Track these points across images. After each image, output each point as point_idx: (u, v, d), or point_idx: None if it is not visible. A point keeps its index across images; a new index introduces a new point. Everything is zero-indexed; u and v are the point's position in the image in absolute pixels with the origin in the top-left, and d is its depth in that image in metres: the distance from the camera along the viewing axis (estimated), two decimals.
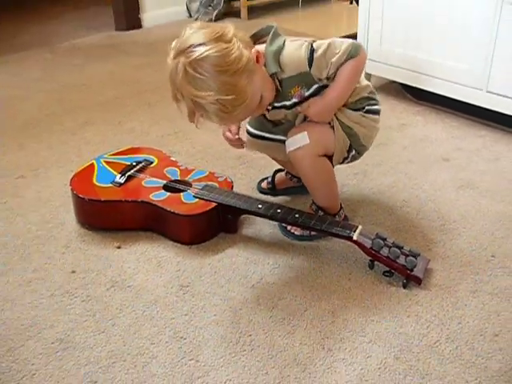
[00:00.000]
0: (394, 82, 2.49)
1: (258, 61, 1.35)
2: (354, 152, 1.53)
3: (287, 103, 1.47)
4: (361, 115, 1.51)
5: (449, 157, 1.96)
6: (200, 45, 1.25)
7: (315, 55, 1.38)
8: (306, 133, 1.44)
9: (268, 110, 1.50)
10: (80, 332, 1.27)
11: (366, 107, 1.53)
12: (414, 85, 2.33)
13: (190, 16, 3.82)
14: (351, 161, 1.57)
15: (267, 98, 1.41)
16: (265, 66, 1.39)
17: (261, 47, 1.40)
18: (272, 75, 1.40)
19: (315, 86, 1.44)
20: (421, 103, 2.39)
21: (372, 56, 2.43)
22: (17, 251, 1.54)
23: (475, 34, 2.04)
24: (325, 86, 1.44)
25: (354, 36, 2.70)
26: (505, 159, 1.94)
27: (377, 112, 1.56)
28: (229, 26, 1.32)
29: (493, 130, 2.14)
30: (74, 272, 1.46)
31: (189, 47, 1.26)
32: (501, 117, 2.08)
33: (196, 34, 1.28)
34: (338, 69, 1.40)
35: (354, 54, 1.39)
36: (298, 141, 1.44)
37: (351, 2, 4.14)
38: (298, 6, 4.09)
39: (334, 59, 1.38)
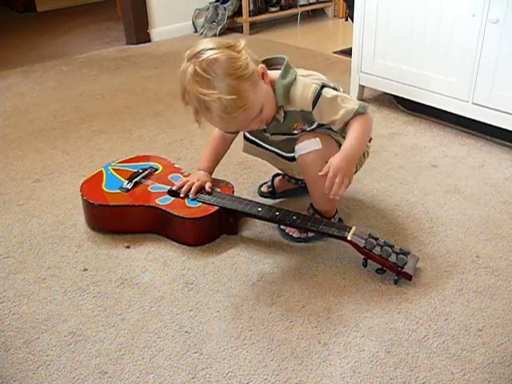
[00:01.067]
0: (387, 93, 2.49)
1: (263, 77, 1.35)
2: None
3: (288, 132, 1.47)
4: None
5: (437, 163, 1.96)
6: (211, 49, 1.27)
7: (320, 100, 1.37)
8: (318, 139, 1.42)
9: (268, 134, 1.50)
10: (91, 326, 1.27)
11: None
12: (405, 96, 2.33)
13: (196, 31, 3.83)
14: None
15: (267, 113, 1.39)
16: (274, 93, 1.39)
17: (271, 73, 1.40)
18: (279, 107, 1.41)
19: (316, 123, 1.44)
20: (411, 113, 2.39)
21: (366, 69, 2.44)
22: (32, 250, 1.54)
23: (462, 50, 2.04)
24: (324, 125, 1.44)
25: (349, 51, 2.71)
26: (488, 166, 1.94)
27: (369, 139, 1.56)
28: (240, 41, 1.33)
29: (477, 138, 2.14)
30: (85, 270, 1.46)
31: (200, 51, 1.28)
32: (484, 127, 2.08)
33: (209, 42, 1.30)
34: (346, 124, 1.39)
35: (362, 111, 1.39)
36: (310, 145, 1.42)
37: (346, 19, 4.15)
38: (297, 22, 4.10)
39: (341, 112, 1.37)
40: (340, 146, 1.42)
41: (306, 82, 1.39)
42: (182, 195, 1.56)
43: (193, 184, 1.57)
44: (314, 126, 1.45)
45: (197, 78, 1.26)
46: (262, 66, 1.35)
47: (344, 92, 1.50)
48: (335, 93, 1.40)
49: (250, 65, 1.30)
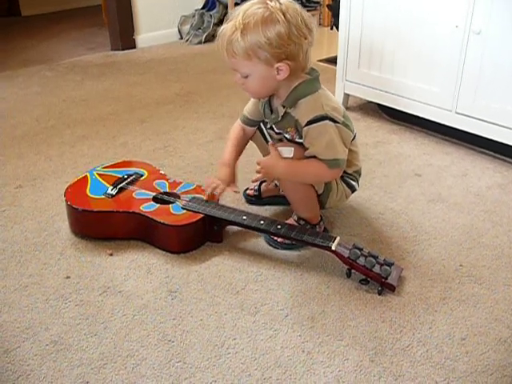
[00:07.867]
0: (371, 102, 2.51)
1: (278, 71, 1.36)
2: None
3: (283, 133, 1.49)
4: (340, 179, 1.54)
5: (421, 172, 1.98)
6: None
7: (316, 125, 1.38)
8: (293, 148, 1.43)
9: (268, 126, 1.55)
10: (73, 334, 1.26)
11: (345, 178, 1.56)
12: (389, 105, 2.35)
13: (181, 38, 3.81)
14: None
15: (251, 88, 1.42)
16: (289, 89, 1.41)
17: (303, 75, 1.42)
18: (283, 105, 1.43)
19: (302, 140, 1.45)
20: (395, 122, 2.41)
21: (351, 78, 2.45)
22: (14, 257, 1.52)
23: (445, 60, 2.06)
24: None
25: (334, 59, 2.72)
26: (471, 175, 1.96)
27: (351, 187, 1.59)
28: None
29: (460, 147, 2.17)
30: (68, 277, 1.44)
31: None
32: (467, 136, 2.10)
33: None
34: (314, 156, 1.41)
35: (332, 166, 1.40)
36: (284, 152, 1.44)
37: (331, 28, 4.17)
38: None
39: (316, 150, 1.40)
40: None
41: (321, 102, 1.40)
42: (206, 196, 1.58)
43: (218, 186, 1.56)
44: (301, 140, 1.46)
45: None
46: (286, 63, 1.35)
47: (355, 135, 1.53)
48: (333, 136, 1.39)
49: (281, 53, 1.33)
